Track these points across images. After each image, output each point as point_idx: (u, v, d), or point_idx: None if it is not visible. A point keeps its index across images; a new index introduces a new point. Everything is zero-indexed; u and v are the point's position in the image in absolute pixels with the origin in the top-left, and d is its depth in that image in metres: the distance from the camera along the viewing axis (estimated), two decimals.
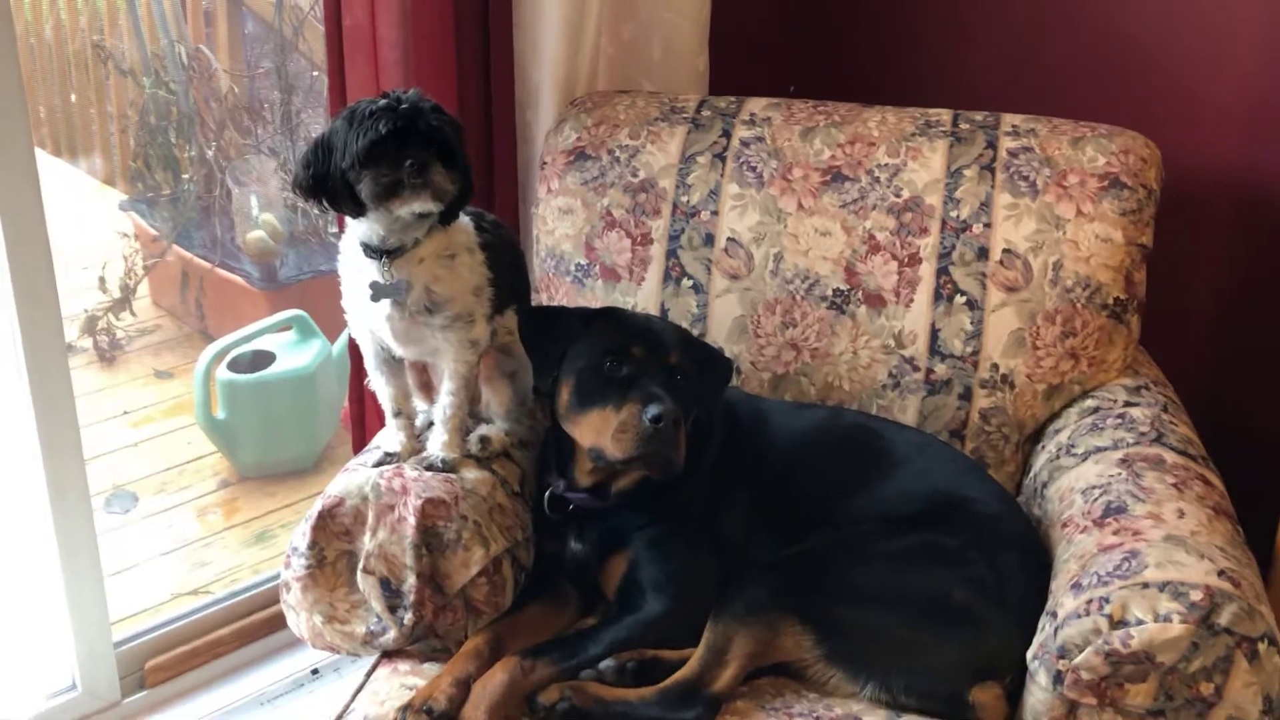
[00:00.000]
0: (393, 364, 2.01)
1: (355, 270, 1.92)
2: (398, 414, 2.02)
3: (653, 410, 1.84)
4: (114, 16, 4.42)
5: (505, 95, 2.52)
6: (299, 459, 3.59)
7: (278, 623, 2.03)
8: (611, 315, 2.04)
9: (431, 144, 1.79)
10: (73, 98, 4.68)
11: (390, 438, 2.02)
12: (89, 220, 4.42)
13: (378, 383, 2.03)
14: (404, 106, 1.78)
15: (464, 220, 1.95)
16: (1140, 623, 1.63)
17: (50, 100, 4.72)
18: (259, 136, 4.09)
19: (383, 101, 1.79)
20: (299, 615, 1.90)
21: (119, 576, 3.12)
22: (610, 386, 1.90)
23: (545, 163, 2.43)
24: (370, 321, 1.95)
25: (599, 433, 1.90)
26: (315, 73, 3.97)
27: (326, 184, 1.83)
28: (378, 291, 1.89)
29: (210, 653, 2.71)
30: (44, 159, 4.62)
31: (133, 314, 4.13)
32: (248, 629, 2.76)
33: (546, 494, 2.02)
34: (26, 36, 4.57)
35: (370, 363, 2.02)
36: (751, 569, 1.89)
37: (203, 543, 3.36)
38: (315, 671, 2.72)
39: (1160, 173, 2.25)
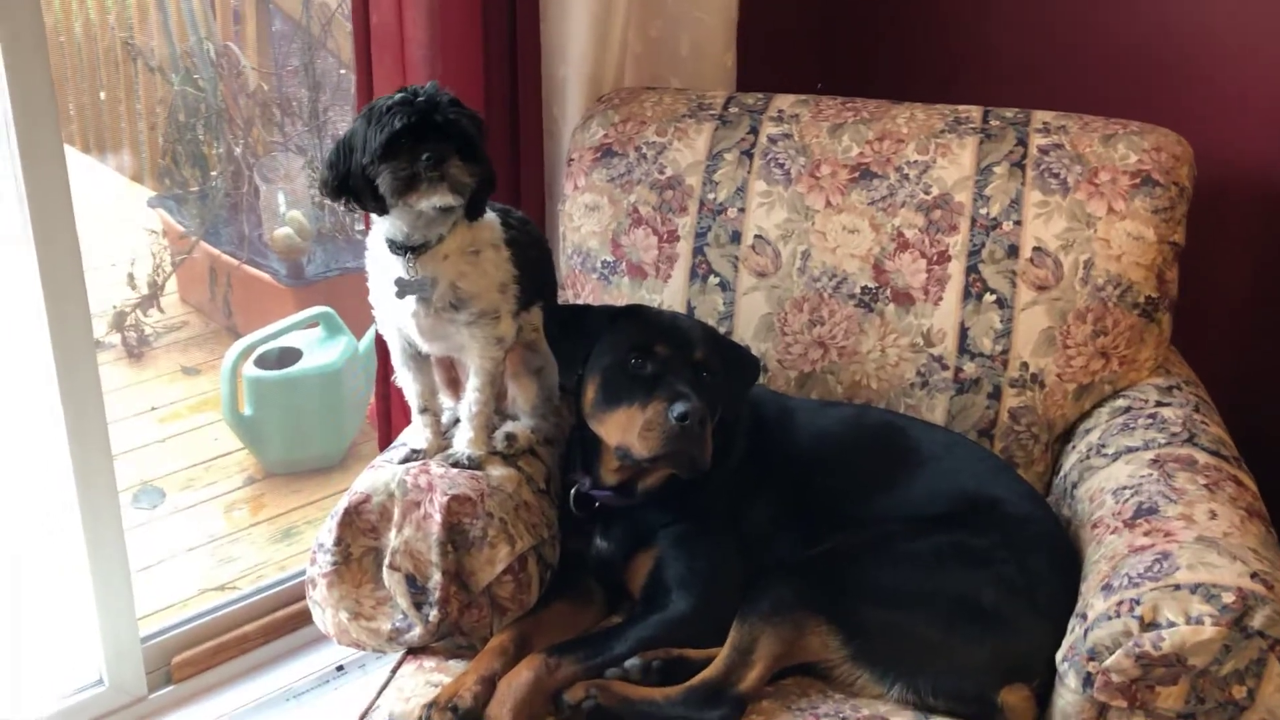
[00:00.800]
0: (419, 360, 2.01)
1: (381, 267, 1.92)
2: (424, 410, 2.02)
3: (679, 408, 1.83)
4: (143, 14, 4.44)
5: (532, 92, 2.51)
6: (325, 456, 3.60)
7: (303, 619, 2.03)
8: (637, 313, 2.04)
9: (449, 137, 1.79)
10: (102, 95, 4.70)
11: (416, 434, 2.02)
12: (118, 217, 4.44)
13: (404, 379, 2.02)
14: (420, 100, 1.78)
15: (490, 216, 1.94)
16: (1172, 625, 1.61)
17: (80, 98, 4.74)
18: (287, 134, 4.10)
19: (399, 96, 1.79)
20: (324, 611, 1.90)
21: (146, 572, 3.13)
22: (636, 384, 1.90)
23: (572, 159, 2.43)
24: (396, 318, 1.95)
25: (625, 430, 1.89)
26: (343, 70, 3.97)
27: (349, 182, 1.83)
28: (403, 288, 1.88)
29: (237, 648, 2.72)
30: (73, 156, 4.65)
31: (160, 310, 4.15)
32: (274, 625, 2.77)
33: (572, 491, 2.01)
34: (56, 34, 4.59)
35: (397, 359, 2.02)
36: (777, 568, 1.88)
37: (229, 539, 3.38)
38: (341, 668, 2.73)
39: (1193, 170, 2.23)
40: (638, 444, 1.87)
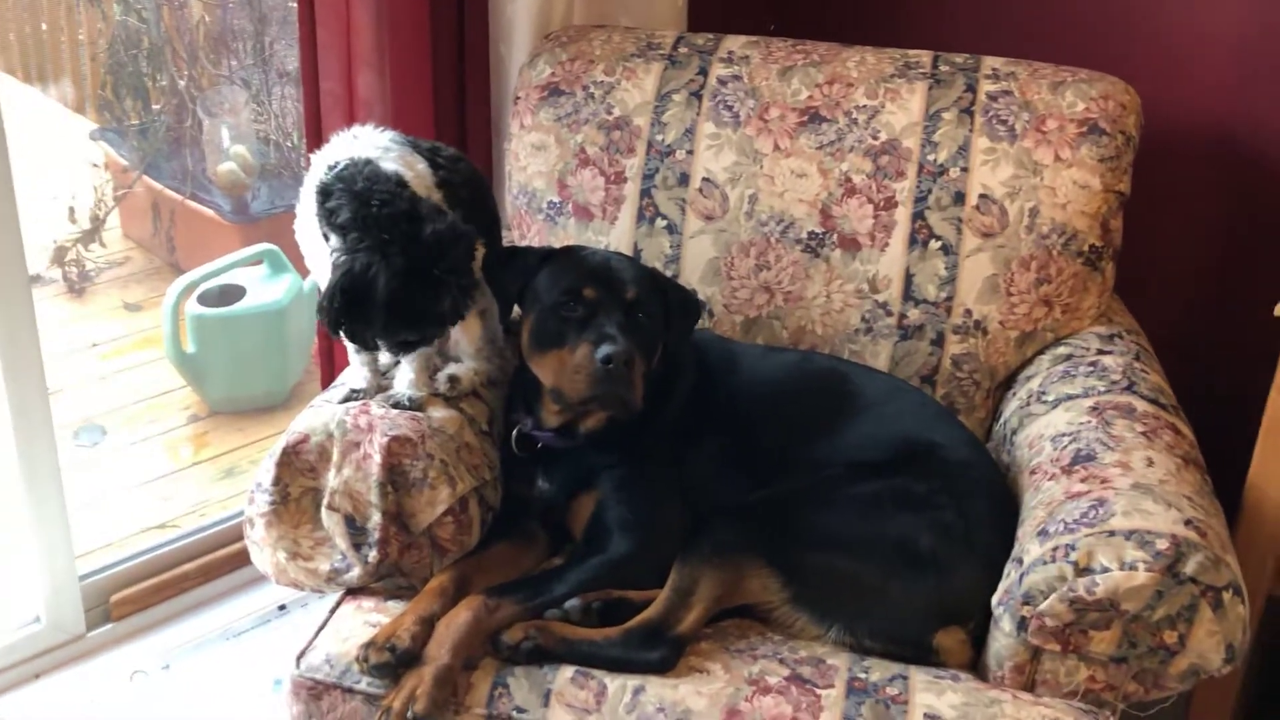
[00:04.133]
0: None
1: (313, 213, 1.89)
2: (360, 349, 2.00)
3: (604, 350, 1.84)
4: None
5: (479, 28, 2.48)
6: (270, 395, 3.56)
7: (245, 558, 2.02)
8: (570, 253, 2.02)
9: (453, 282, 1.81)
10: (43, 25, 4.59)
11: (355, 374, 2.00)
12: (59, 150, 4.35)
13: None
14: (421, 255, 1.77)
15: (418, 161, 1.91)
16: (1105, 570, 1.63)
17: (20, 27, 4.64)
18: (231, 67, 4.02)
19: (401, 263, 1.76)
20: (263, 551, 1.89)
21: (86, 509, 3.09)
22: (567, 326, 1.90)
23: (518, 98, 2.40)
24: (324, 262, 1.91)
25: (557, 373, 1.90)
26: (291, 3, 3.90)
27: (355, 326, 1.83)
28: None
29: (177, 587, 2.70)
30: (13, 86, 4.56)
31: (102, 245, 4.09)
32: (215, 564, 2.75)
33: (514, 432, 2.01)
34: None
35: None
36: (719, 511, 1.88)
37: (171, 477, 3.34)
38: (283, 607, 2.72)
39: (1139, 120, 2.23)
40: (568, 386, 1.88)
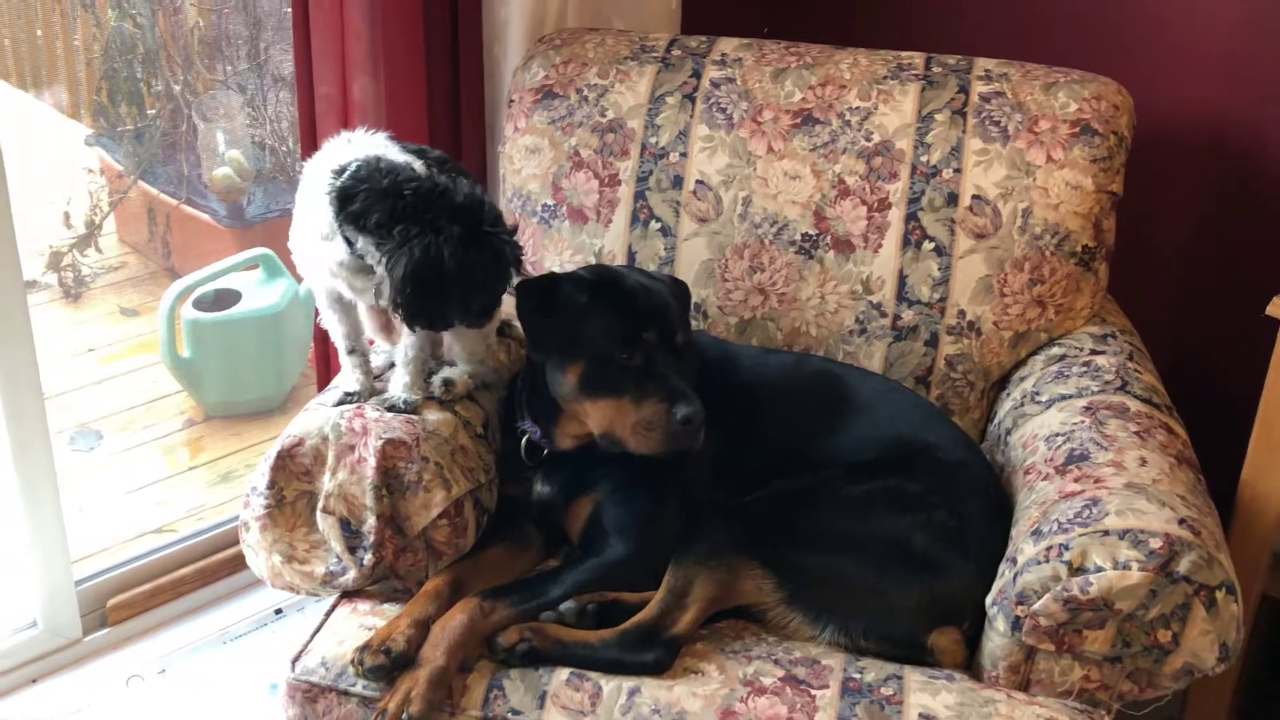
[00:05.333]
0: (344, 302, 1.99)
1: (311, 220, 1.88)
2: (351, 351, 2.00)
3: (682, 411, 1.83)
4: None
5: (473, 30, 2.48)
6: (266, 399, 3.56)
7: (241, 562, 2.02)
8: (614, 286, 1.95)
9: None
10: (38, 31, 4.59)
11: (347, 377, 2.00)
12: (54, 155, 4.35)
13: (329, 321, 2.00)
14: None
15: (414, 160, 1.91)
16: (1099, 570, 1.63)
17: (15, 33, 4.63)
18: (226, 72, 4.03)
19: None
20: (258, 555, 1.89)
21: (83, 514, 3.10)
22: (626, 376, 1.87)
23: (512, 100, 2.40)
24: (321, 268, 1.91)
25: (614, 421, 1.88)
26: (286, 10, 3.90)
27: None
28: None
29: (173, 591, 2.70)
30: (8, 92, 4.55)
31: (98, 250, 4.08)
32: (211, 568, 2.76)
33: (523, 440, 2.00)
34: None
35: (321, 301, 1.99)
36: (713, 513, 1.89)
37: (167, 482, 3.34)
38: (279, 611, 2.72)
39: (1132, 120, 2.24)
40: (633, 440, 1.87)
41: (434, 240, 1.75)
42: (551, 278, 2.02)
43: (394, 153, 1.87)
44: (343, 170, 1.82)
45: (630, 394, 1.87)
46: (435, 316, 1.82)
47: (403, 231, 1.76)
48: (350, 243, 1.82)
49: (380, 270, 1.79)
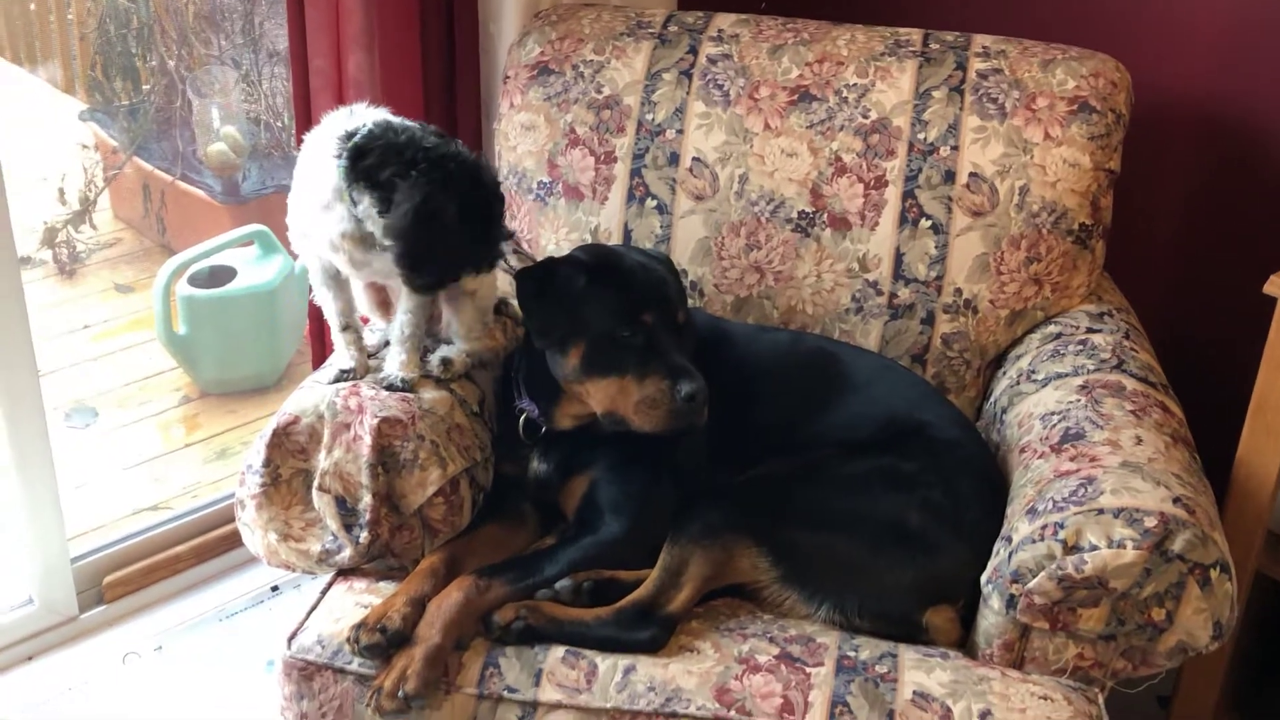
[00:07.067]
0: (338, 279, 1.98)
1: (312, 199, 1.88)
2: (345, 328, 2.00)
3: (686, 388, 1.83)
4: None
5: (468, 6, 2.47)
6: (261, 376, 3.56)
7: (238, 539, 2.02)
8: (612, 266, 1.95)
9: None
10: (31, 5, 4.57)
11: (341, 355, 2.00)
12: (49, 131, 4.34)
13: (323, 298, 1.99)
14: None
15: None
16: (1094, 548, 1.64)
17: (9, 7, 4.61)
18: (221, 47, 4.01)
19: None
20: (254, 533, 1.89)
21: (78, 491, 3.10)
22: (628, 355, 1.87)
23: (508, 77, 2.39)
24: (318, 244, 1.91)
25: (616, 401, 1.88)
26: None
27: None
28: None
29: (169, 568, 2.70)
30: (2, 66, 4.54)
31: (93, 227, 4.07)
32: (207, 545, 2.75)
33: (522, 419, 2.00)
34: None
35: (315, 278, 1.99)
36: (709, 491, 1.88)
37: (163, 459, 3.34)
38: (275, 588, 2.72)
39: (1130, 97, 2.23)
40: (637, 418, 1.87)
41: (437, 186, 1.77)
42: (548, 263, 2.02)
43: (398, 120, 1.88)
44: (353, 134, 1.83)
45: (633, 373, 1.87)
46: (440, 262, 1.83)
47: (410, 185, 1.78)
48: (355, 203, 1.81)
49: (382, 223, 1.80)
